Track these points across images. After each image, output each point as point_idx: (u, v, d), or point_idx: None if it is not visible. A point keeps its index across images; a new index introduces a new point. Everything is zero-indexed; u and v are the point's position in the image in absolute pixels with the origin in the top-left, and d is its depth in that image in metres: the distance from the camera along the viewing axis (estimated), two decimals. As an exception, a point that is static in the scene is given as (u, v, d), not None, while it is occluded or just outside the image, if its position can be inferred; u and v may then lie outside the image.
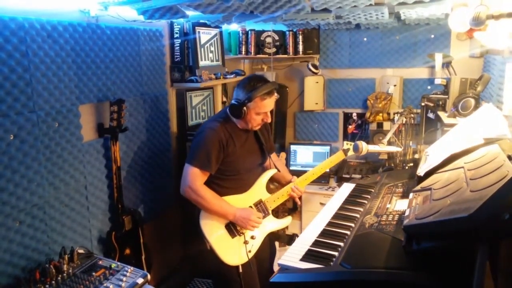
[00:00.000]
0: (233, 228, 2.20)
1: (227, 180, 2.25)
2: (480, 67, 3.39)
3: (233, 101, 2.18)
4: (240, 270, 2.17)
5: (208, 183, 2.20)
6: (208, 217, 2.18)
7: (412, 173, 2.38)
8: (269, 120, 2.25)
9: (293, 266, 1.55)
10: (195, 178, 2.14)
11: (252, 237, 2.23)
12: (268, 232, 2.33)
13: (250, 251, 2.21)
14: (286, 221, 2.37)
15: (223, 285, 2.33)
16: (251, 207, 2.26)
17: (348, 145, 2.46)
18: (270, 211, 2.30)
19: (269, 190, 2.36)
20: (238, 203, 2.23)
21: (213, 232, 2.18)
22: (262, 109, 2.17)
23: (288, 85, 4.17)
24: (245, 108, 2.14)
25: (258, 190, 2.31)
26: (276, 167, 2.42)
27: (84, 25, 2.33)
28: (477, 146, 1.79)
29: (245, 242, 2.19)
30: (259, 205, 2.28)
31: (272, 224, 2.32)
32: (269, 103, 2.19)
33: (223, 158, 2.19)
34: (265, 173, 2.36)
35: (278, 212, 3.40)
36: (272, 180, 2.41)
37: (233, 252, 2.19)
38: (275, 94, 2.23)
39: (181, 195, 2.21)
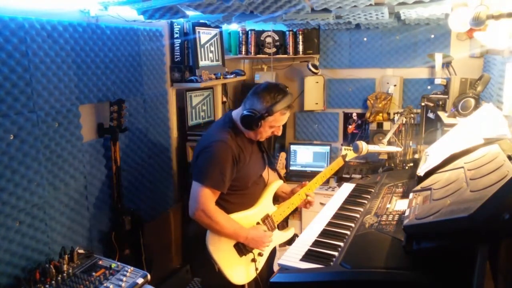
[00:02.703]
0: (241, 246, 2.04)
1: (234, 196, 2.06)
2: (480, 67, 3.39)
3: (248, 112, 1.96)
4: None
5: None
6: (217, 239, 1.99)
7: (412, 173, 2.38)
8: (280, 133, 2.09)
9: (293, 266, 1.55)
10: (207, 200, 1.92)
11: (260, 254, 2.10)
12: (274, 246, 2.22)
13: (257, 269, 2.09)
14: (290, 233, 2.27)
15: None
16: (258, 223, 2.10)
17: (346, 150, 2.42)
18: (276, 225, 2.18)
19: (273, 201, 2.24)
20: (247, 220, 2.07)
21: (222, 253, 2.00)
22: (279, 122, 2.02)
23: (288, 85, 4.10)
24: (262, 121, 1.95)
25: (265, 204, 2.16)
26: (280, 177, 2.30)
27: (84, 25, 2.33)
28: (477, 146, 1.79)
29: (253, 260, 2.05)
30: (267, 221, 2.12)
31: (278, 238, 2.21)
32: (287, 117, 2.04)
33: (235, 173, 2.01)
34: (272, 186, 2.21)
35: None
36: None
37: (241, 271, 2.05)
38: None
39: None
